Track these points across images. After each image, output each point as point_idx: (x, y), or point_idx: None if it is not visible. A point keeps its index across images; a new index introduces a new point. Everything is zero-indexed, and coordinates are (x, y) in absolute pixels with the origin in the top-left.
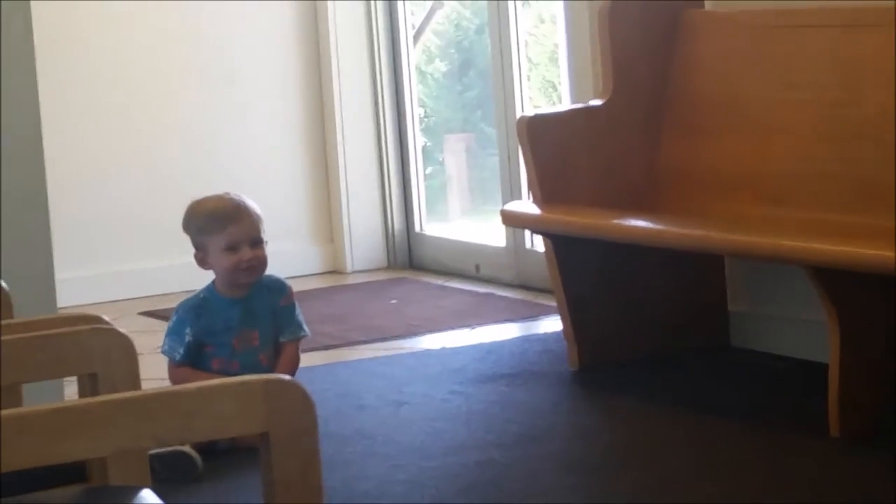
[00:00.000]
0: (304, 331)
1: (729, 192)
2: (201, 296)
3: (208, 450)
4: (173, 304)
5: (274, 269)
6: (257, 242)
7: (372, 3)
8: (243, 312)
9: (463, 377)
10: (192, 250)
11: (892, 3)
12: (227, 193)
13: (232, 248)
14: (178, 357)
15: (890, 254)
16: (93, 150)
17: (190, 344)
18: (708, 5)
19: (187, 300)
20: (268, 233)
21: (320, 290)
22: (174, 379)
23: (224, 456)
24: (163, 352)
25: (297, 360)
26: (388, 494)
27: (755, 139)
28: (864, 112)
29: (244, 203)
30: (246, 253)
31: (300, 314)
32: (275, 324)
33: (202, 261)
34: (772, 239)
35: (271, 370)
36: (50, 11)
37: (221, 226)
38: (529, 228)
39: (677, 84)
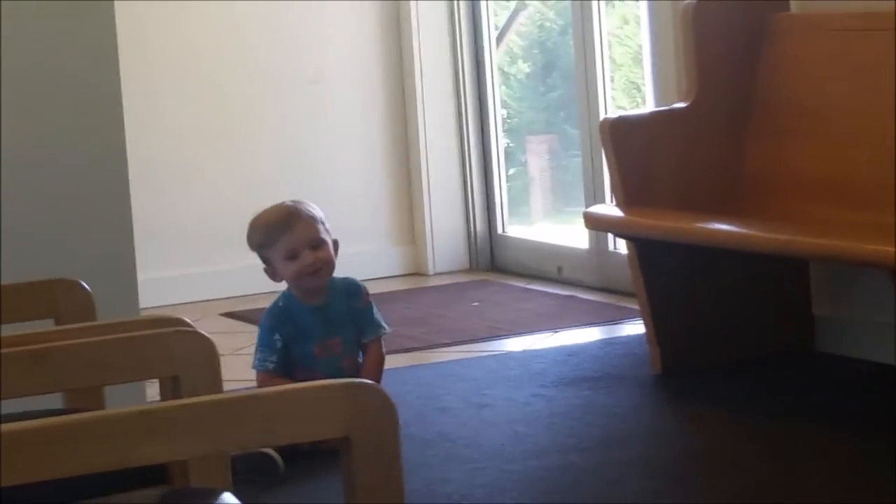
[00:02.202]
0: (384, 328)
1: (814, 197)
2: (280, 304)
3: (291, 452)
4: (254, 306)
5: (355, 270)
6: (318, 244)
7: (455, 3)
8: (324, 321)
9: (545, 380)
10: None
11: None
12: (282, 202)
13: (292, 255)
14: (271, 366)
15: None
16: (175, 151)
17: (281, 351)
18: (793, 7)
19: (269, 309)
20: (348, 234)
21: (402, 293)
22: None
23: (306, 459)
24: (254, 367)
25: (382, 359)
26: (469, 497)
27: (840, 144)
28: None
29: (296, 208)
30: (307, 257)
31: (377, 312)
32: (356, 327)
33: (273, 274)
34: (855, 243)
35: (355, 376)
36: (134, 14)
37: (277, 236)
38: (612, 231)
39: (762, 87)
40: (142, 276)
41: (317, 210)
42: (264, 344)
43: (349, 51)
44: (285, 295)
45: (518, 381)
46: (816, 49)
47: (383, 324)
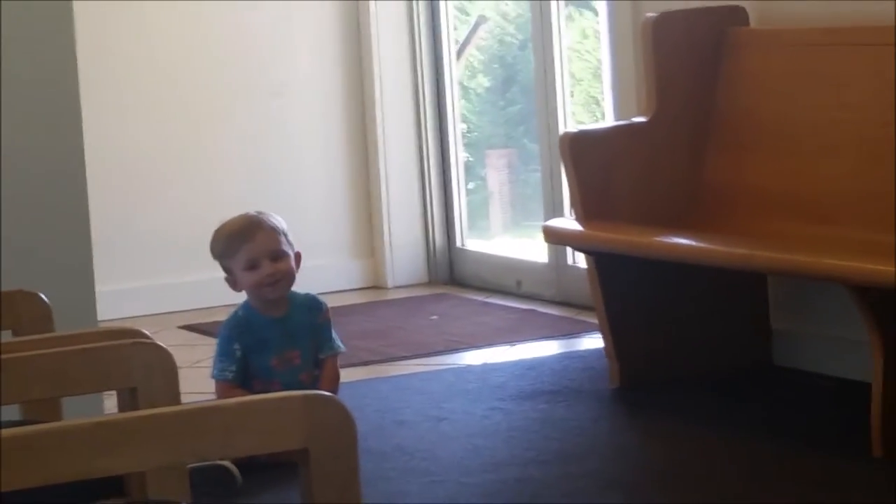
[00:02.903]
0: (340, 346)
1: (774, 212)
2: (240, 313)
3: (248, 465)
4: (213, 318)
5: (314, 283)
6: (278, 256)
7: (415, 17)
8: (283, 333)
9: (503, 394)
10: None
11: None
12: (246, 213)
13: (252, 265)
14: (230, 376)
15: None
16: (135, 162)
17: (240, 360)
18: (753, 21)
19: (229, 319)
20: (308, 247)
21: (361, 306)
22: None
23: (264, 471)
24: (213, 376)
25: (338, 375)
26: None
27: (801, 158)
28: None
29: (258, 219)
30: (266, 268)
31: (334, 331)
32: (314, 341)
33: (233, 284)
34: (815, 258)
35: (313, 388)
36: (92, 22)
37: (238, 246)
38: (571, 245)
39: (722, 102)
40: (100, 287)
41: (280, 221)
42: (223, 353)
43: (310, 64)
44: (245, 305)
45: (476, 395)
46: (776, 63)
47: (339, 343)
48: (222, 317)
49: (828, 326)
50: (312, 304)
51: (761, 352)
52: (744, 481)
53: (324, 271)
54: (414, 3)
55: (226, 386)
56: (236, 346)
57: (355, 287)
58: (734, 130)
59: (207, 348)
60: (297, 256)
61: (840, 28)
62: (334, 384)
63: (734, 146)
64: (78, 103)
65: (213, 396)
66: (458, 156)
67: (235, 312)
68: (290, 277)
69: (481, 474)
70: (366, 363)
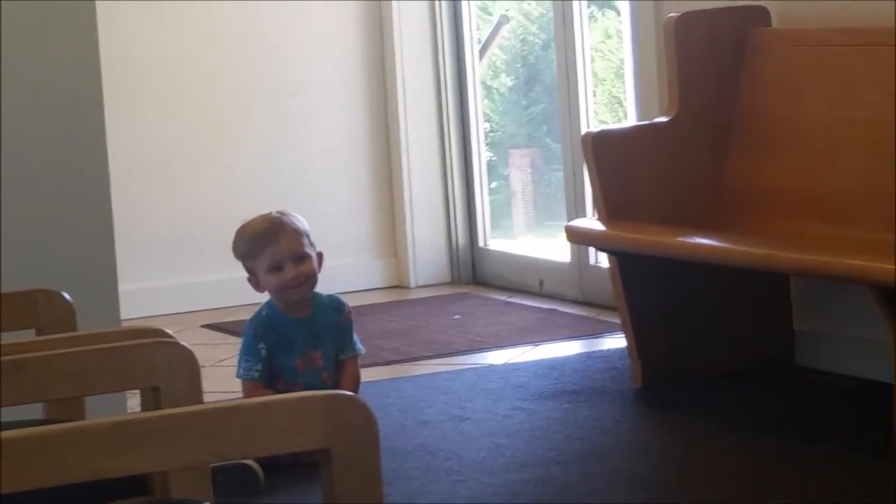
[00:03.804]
0: (361, 348)
1: (794, 212)
2: (264, 313)
3: (271, 464)
4: (236, 317)
5: (337, 283)
6: (300, 258)
7: (438, 17)
8: (307, 334)
9: (525, 393)
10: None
11: None
12: (270, 213)
13: (276, 268)
14: (256, 375)
15: None
16: (158, 162)
17: (266, 359)
18: (775, 22)
19: (253, 318)
20: (330, 247)
21: (383, 305)
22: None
23: (287, 471)
24: (238, 376)
25: (358, 377)
26: None
27: (821, 159)
28: None
29: (281, 220)
30: (290, 271)
31: (356, 333)
32: (337, 342)
33: (256, 284)
34: (837, 258)
35: (335, 388)
36: (114, 21)
37: (261, 248)
38: (594, 245)
39: (744, 101)
40: (123, 287)
41: (302, 222)
42: (249, 352)
43: (331, 63)
44: (269, 305)
45: (499, 395)
46: (797, 64)
47: (360, 345)
48: (245, 316)
49: (849, 327)
50: (335, 305)
51: (783, 351)
52: (765, 480)
53: (346, 271)
54: (436, 2)
55: (252, 385)
56: (261, 346)
57: (378, 287)
58: (756, 130)
59: (230, 347)
60: (320, 256)
61: (862, 28)
62: (355, 385)
63: (756, 146)
64: (101, 103)
65: (237, 395)
66: (481, 155)
67: (260, 312)
68: (312, 280)
69: (504, 474)
70: (388, 363)
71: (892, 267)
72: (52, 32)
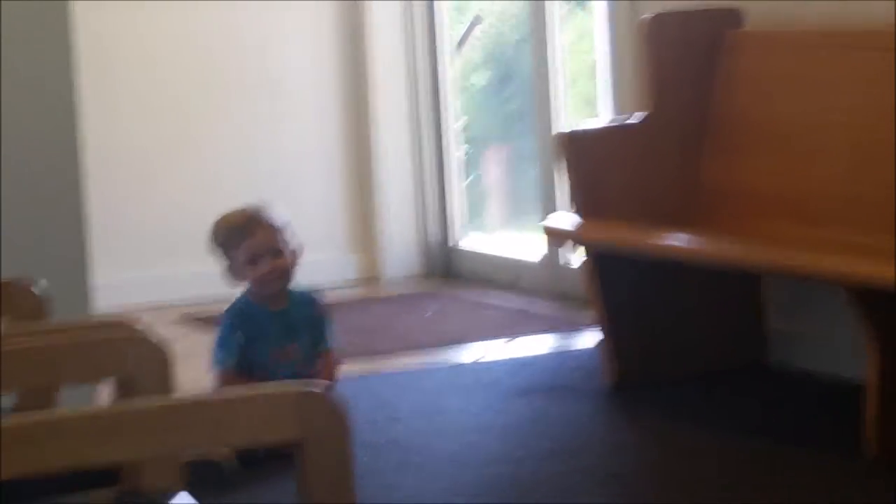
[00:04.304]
0: (337, 342)
1: (768, 213)
2: (241, 303)
3: (247, 456)
4: (211, 310)
5: (310, 277)
6: (277, 252)
7: (412, 15)
8: (283, 326)
9: (497, 391)
10: None
11: None
12: (248, 206)
13: (252, 260)
14: (232, 364)
15: None
16: (133, 154)
17: (242, 348)
18: (749, 24)
19: (230, 308)
20: (304, 241)
21: (356, 301)
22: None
23: (263, 463)
24: (213, 365)
25: (336, 370)
26: None
27: (795, 160)
28: None
29: (259, 214)
30: (265, 264)
31: (332, 328)
32: (312, 335)
33: (233, 275)
34: (812, 259)
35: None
36: (90, 19)
37: (239, 240)
38: (571, 241)
39: (718, 102)
40: (98, 278)
41: (281, 216)
42: (225, 341)
43: (306, 60)
44: (244, 296)
45: (471, 392)
46: (772, 65)
47: (336, 338)
48: (220, 308)
49: (822, 326)
50: (311, 299)
51: (757, 351)
52: (738, 480)
53: (320, 265)
54: (411, 2)
55: (226, 374)
56: (239, 334)
57: (351, 282)
58: (729, 131)
59: (204, 339)
60: (298, 251)
61: (836, 31)
62: (331, 378)
63: (729, 147)
64: (76, 96)
65: (209, 389)
66: (455, 152)
67: (237, 302)
68: (288, 274)
69: (475, 470)
70: (361, 358)
71: (870, 268)
72: (28, 26)
